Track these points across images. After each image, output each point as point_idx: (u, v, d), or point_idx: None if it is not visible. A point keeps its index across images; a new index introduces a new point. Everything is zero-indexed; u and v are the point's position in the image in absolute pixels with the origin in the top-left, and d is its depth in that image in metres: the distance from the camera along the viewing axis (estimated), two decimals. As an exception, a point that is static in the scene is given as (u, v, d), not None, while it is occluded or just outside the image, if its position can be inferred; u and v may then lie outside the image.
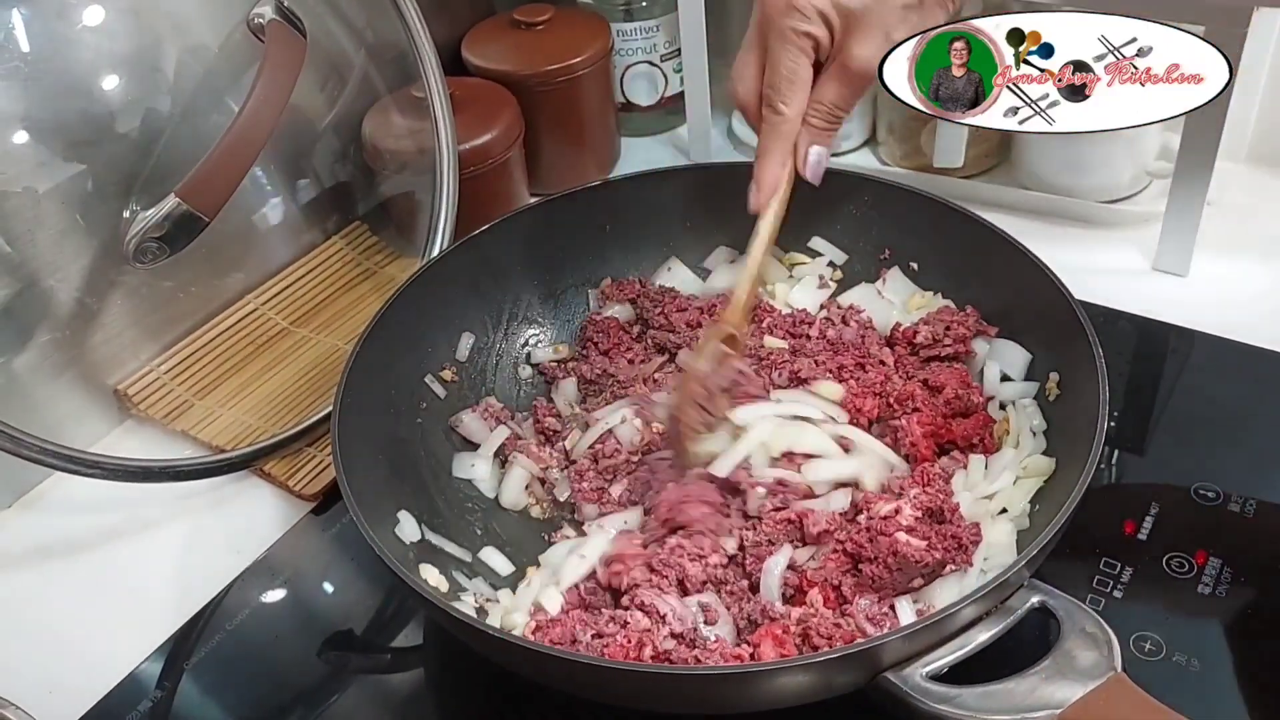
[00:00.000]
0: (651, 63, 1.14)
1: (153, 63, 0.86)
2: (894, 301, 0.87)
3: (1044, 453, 0.74)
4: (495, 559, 0.76)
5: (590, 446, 0.81)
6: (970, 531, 0.68)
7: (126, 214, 0.82)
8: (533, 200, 0.88)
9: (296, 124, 0.96)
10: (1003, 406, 0.79)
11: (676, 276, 0.92)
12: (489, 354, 0.88)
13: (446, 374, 0.84)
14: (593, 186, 0.91)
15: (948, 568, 0.67)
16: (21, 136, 0.79)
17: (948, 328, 0.82)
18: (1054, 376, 0.77)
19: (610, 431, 0.81)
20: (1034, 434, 0.76)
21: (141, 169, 0.84)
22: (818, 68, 0.73)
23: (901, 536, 0.67)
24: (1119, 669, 0.57)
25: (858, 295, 0.88)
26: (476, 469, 0.81)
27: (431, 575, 0.71)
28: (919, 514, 0.70)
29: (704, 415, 0.76)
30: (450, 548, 0.75)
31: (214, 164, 0.78)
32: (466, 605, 0.70)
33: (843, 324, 0.86)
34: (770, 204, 0.76)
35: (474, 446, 0.83)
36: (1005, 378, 0.80)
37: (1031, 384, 0.78)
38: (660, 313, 0.88)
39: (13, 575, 0.82)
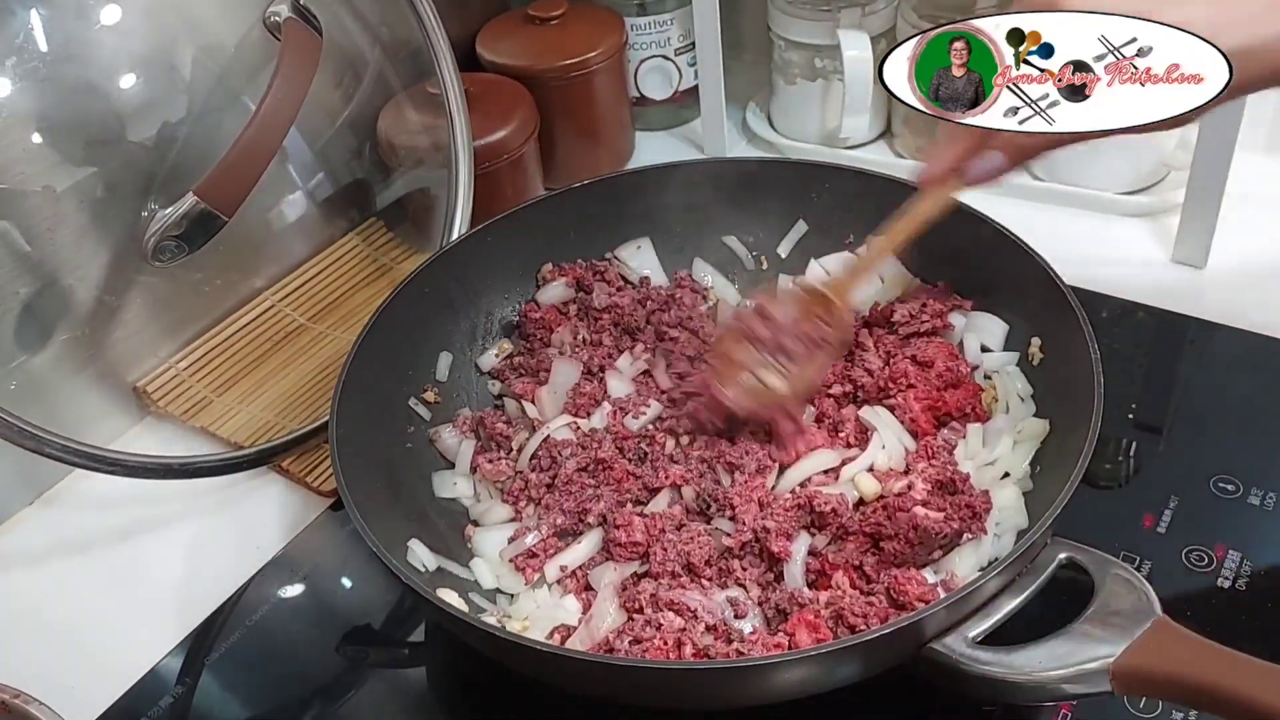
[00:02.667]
0: (665, 57, 1.14)
1: (169, 62, 0.86)
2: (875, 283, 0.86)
3: (1034, 415, 0.75)
4: (487, 575, 0.74)
5: (532, 458, 0.79)
6: (982, 499, 0.69)
7: (145, 212, 0.82)
8: (502, 215, 0.87)
9: (312, 121, 0.96)
10: (987, 376, 0.80)
11: (644, 258, 0.90)
12: (468, 369, 0.86)
13: (429, 395, 0.83)
14: (559, 193, 0.89)
15: (964, 536, 0.68)
16: (40, 136, 0.80)
17: (924, 305, 0.82)
18: (1035, 341, 0.77)
19: (550, 439, 0.79)
20: (1022, 399, 0.77)
21: (159, 168, 0.84)
22: None
23: (920, 510, 0.68)
24: (1159, 612, 0.58)
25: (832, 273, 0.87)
26: (459, 487, 0.79)
27: (451, 598, 0.69)
28: (930, 487, 0.71)
29: (755, 358, 0.75)
30: (457, 569, 0.74)
31: (231, 162, 0.78)
32: (490, 622, 0.69)
33: None
34: (929, 190, 0.71)
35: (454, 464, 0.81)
36: (985, 349, 0.80)
37: (1012, 353, 0.79)
38: (608, 291, 0.87)
39: (34, 572, 0.82)
